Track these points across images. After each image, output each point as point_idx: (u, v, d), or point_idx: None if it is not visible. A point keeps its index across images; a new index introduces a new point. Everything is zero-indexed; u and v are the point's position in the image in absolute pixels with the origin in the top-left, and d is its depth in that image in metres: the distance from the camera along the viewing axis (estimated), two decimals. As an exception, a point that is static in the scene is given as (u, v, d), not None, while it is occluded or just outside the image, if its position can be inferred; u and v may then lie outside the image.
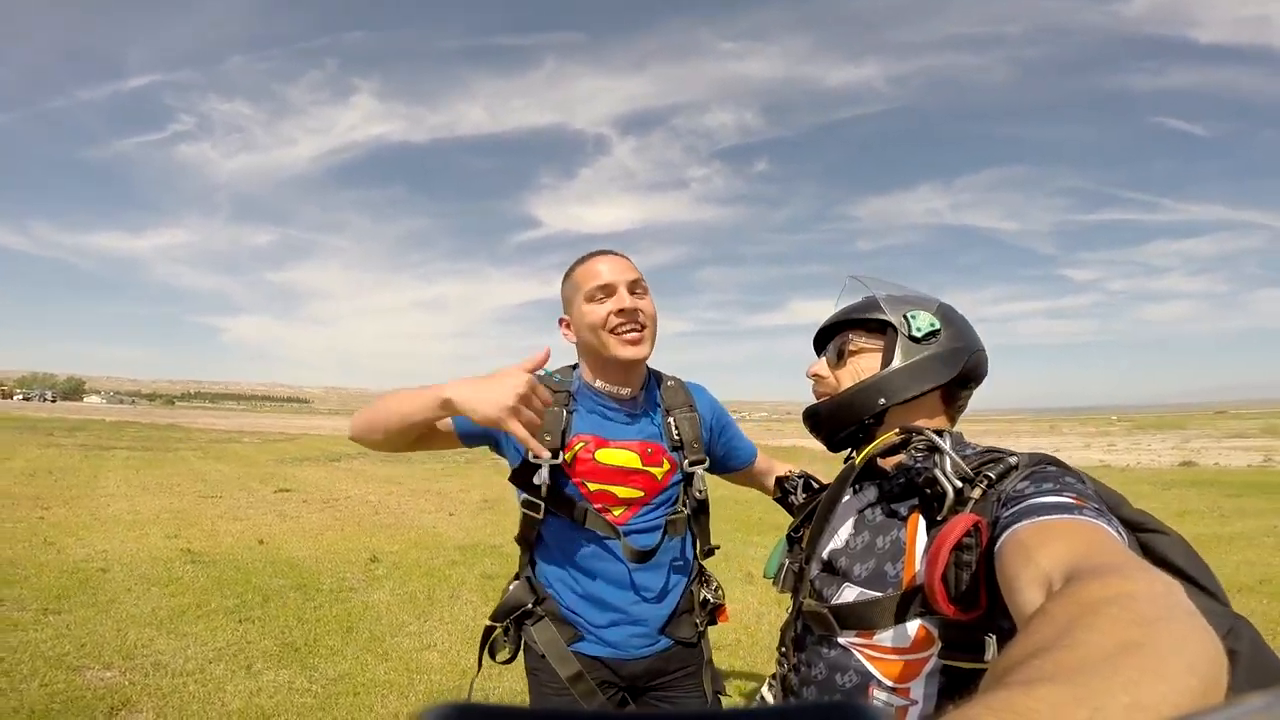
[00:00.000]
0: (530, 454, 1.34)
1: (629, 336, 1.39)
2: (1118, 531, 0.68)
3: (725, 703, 1.57)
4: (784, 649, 1.06)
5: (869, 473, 1.04)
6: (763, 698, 1.12)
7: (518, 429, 1.18)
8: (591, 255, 1.46)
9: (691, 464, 1.50)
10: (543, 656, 1.43)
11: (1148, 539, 0.79)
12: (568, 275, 1.48)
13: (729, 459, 1.65)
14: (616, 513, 1.43)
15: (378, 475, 13.82)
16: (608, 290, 1.39)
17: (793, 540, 1.16)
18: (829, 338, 1.16)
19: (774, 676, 1.09)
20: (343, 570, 5.71)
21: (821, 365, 1.15)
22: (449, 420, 1.40)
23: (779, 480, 1.37)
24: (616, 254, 1.46)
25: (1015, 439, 32.05)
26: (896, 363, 1.03)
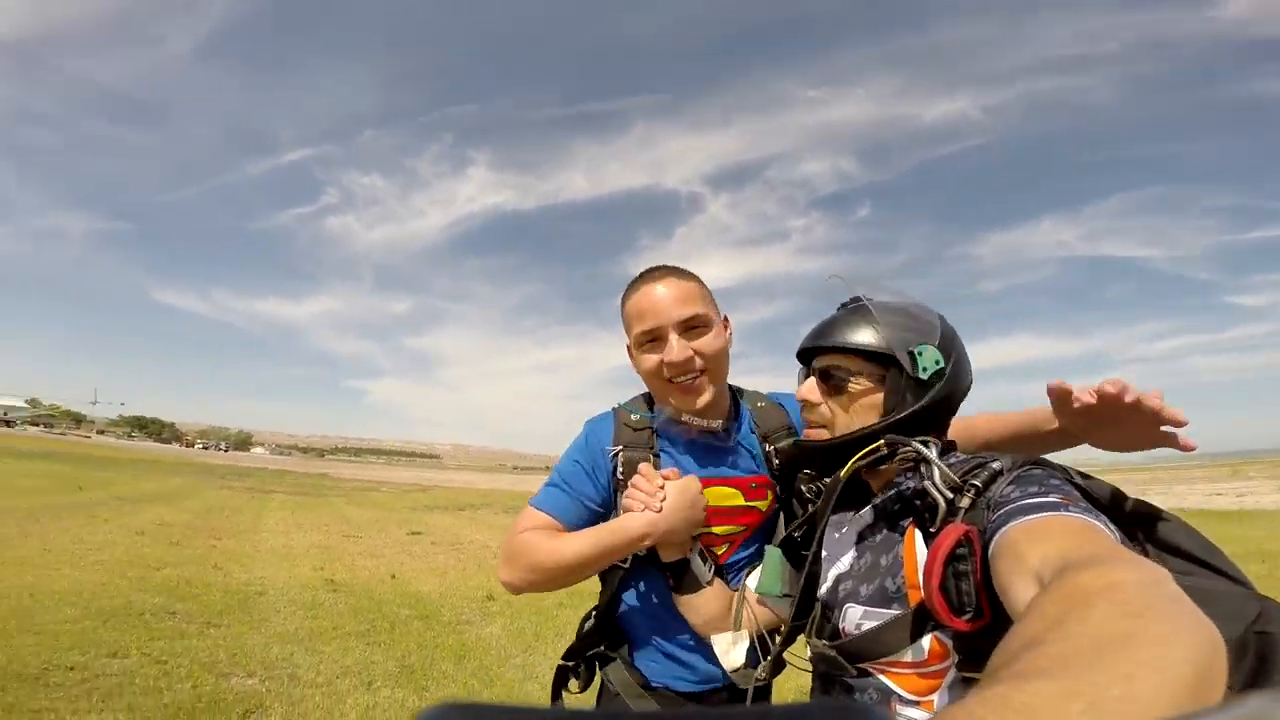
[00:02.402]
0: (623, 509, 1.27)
1: (684, 386, 1.27)
2: (1107, 525, 0.68)
3: None
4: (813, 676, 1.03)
5: (861, 491, 1.00)
6: None
7: (631, 504, 1.19)
8: (640, 282, 1.32)
9: None
10: (617, 694, 1.36)
11: (1152, 527, 0.77)
12: (623, 300, 1.36)
13: None
14: (719, 551, 1.32)
15: (501, 524, 14.32)
16: (655, 336, 1.27)
17: (788, 552, 1.13)
18: (816, 353, 1.06)
19: None
20: (461, 605, 5.90)
21: (814, 390, 1.04)
22: (561, 526, 1.31)
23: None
24: (668, 277, 1.31)
25: (1189, 485, 27.98)
26: (902, 411, 0.97)
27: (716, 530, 1.30)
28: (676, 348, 1.24)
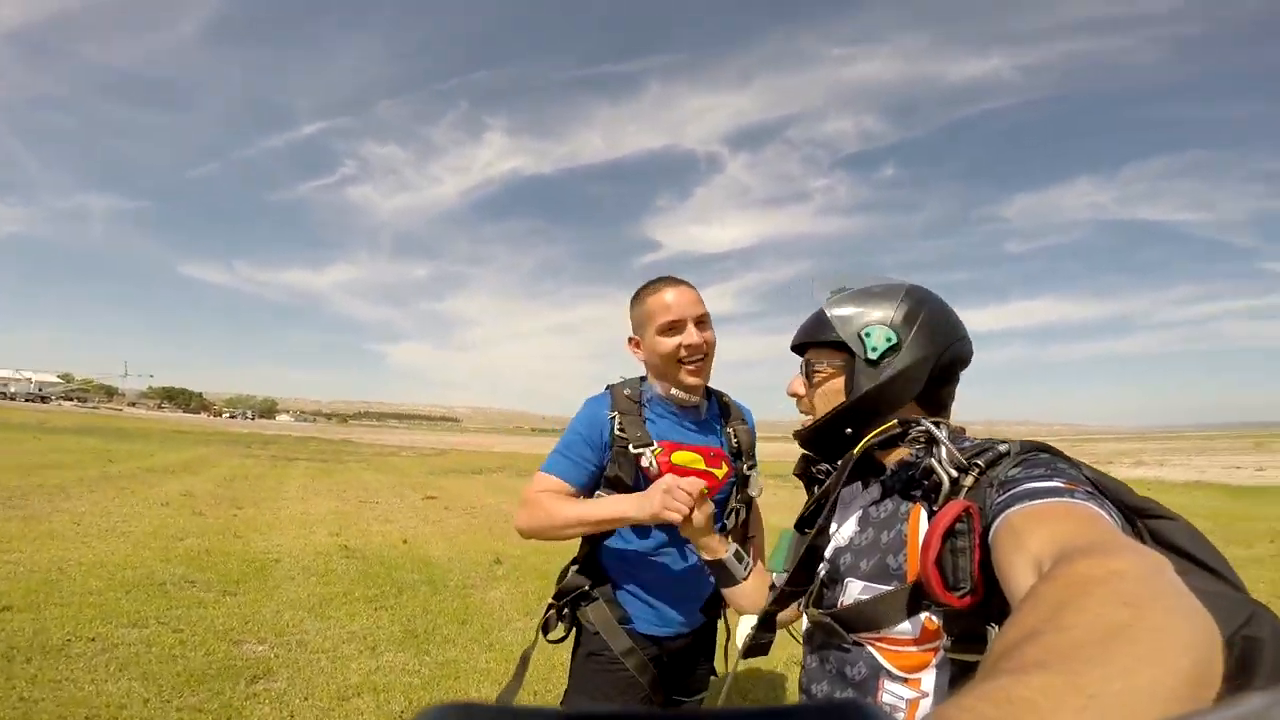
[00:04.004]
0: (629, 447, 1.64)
1: (692, 368, 1.62)
2: (1109, 513, 0.68)
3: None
4: (807, 649, 1.05)
5: (871, 468, 1.02)
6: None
7: (671, 517, 1.34)
8: (662, 285, 1.65)
9: (749, 469, 1.72)
10: (596, 633, 1.63)
11: (1154, 525, 0.76)
12: (638, 299, 1.67)
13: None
14: None
15: (515, 488, 14.61)
16: (677, 326, 1.60)
17: (802, 531, 1.16)
18: (801, 350, 1.16)
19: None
20: (469, 569, 6.11)
21: (800, 383, 1.15)
22: (568, 486, 1.64)
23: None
24: (685, 285, 1.65)
25: (1210, 456, 27.64)
26: (857, 391, 1.03)
27: None
28: (696, 335, 1.60)
